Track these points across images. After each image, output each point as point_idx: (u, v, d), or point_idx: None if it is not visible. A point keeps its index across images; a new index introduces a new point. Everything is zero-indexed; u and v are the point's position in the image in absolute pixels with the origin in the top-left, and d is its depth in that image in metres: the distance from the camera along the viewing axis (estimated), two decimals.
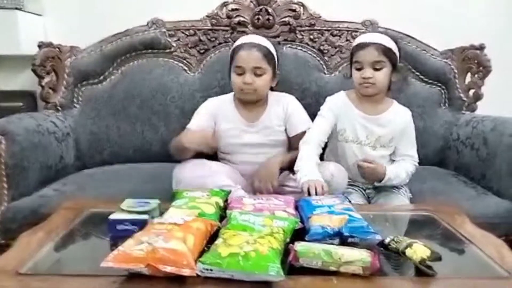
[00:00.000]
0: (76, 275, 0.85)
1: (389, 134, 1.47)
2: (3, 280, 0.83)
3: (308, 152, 1.38)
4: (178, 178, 1.35)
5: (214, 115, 1.52)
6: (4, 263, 0.89)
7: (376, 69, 1.40)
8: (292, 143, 1.51)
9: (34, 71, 1.75)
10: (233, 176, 1.44)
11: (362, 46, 1.42)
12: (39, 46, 1.76)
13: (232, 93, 1.57)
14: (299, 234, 0.96)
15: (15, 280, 0.83)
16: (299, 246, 0.87)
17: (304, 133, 1.48)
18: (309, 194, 1.21)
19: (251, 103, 1.52)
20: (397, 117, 1.48)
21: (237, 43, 1.53)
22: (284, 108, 1.53)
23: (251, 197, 1.19)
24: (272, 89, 1.57)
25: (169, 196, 1.20)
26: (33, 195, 1.44)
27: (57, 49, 1.79)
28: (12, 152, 1.42)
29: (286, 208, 1.09)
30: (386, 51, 1.40)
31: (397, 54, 1.44)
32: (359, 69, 1.43)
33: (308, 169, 1.31)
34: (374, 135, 1.46)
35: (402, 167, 1.48)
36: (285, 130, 1.53)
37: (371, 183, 1.47)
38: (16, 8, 1.85)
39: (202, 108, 1.56)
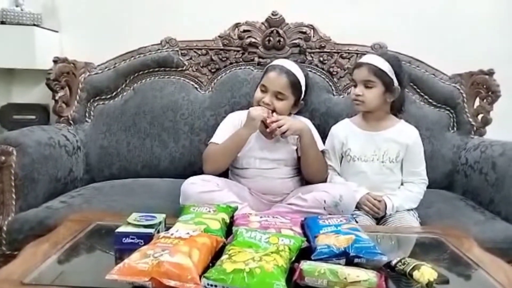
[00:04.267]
0: (80, 287, 0.85)
1: (395, 149, 1.50)
2: None
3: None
4: (185, 193, 1.35)
5: (236, 128, 1.54)
6: (9, 273, 0.90)
7: (367, 88, 1.47)
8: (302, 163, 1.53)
9: (48, 85, 1.79)
10: (240, 194, 1.45)
11: (357, 65, 1.52)
12: (55, 61, 1.80)
13: None
14: (305, 253, 0.95)
15: None
16: (305, 264, 0.86)
17: None
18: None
19: None
20: (403, 133, 1.53)
21: (273, 62, 1.59)
22: None
23: (257, 214, 1.18)
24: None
25: (176, 212, 1.21)
26: (40, 206, 1.45)
27: (72, 64, 1.83)
28: (22, 164, 1.43)
29: (292, 226, 1.08)
30: (377, 72, 1.47)
31: (392, 76, 1.48)
32: (354, 87, 1.51)
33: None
34: (381, 150, 1.50)
35: (408, 189, 1.51)
36: (297, 149, 1.55)
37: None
38: (34, 25, 1.91)
39: (226, 122, 1.61)
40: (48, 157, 1.54)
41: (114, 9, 2.04)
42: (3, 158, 1.40)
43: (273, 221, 1.10)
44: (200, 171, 1.53)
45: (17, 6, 1.92)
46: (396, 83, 1.49)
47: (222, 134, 1.54)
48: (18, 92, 2.08)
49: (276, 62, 1.59)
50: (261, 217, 1.13)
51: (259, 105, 1.51)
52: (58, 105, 1.81)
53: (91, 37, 2.03)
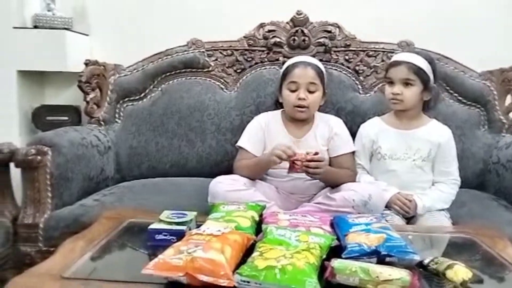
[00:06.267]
0: (116, 281, 0.88)
1: (427, 147, 1.48)
2: (48, 283, 0.87)
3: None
4: (213, 192, 1.37)
5: (264, 131, 1.55)
6: (49, 267, 0.94)
7: (406, 87, 1.45)
8: (332, 164, 1.53)
9: (80, 87, 1.85)
10: (268, 192, 1.46)
11: (395, 64, 1.49)
12: (86, 64, 1.85)
13: (280, 111, 1.61)
14: (335, 252, 0.95)
15: (59, 284, 0.87)
16: (336, 262, 0.86)
17: (345, 155, 1.53)
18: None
19: (299, 120, 1.55)
20: (435, 132, 1.51)
21: (290, 62, 1.58)
22: (330, 129, 1.56)
23: (286, 213, 1.19)
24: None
25: (204, 210, 1.23)
26: (74, 204, 1.50)
27: (102, 67, 1.88)
28: (57, 163, 1.49)
29: (322, 225, 1.08)
30: (417, 71, 1.44)
31: (430, 74, 1.46)
32: (391, 86, 1.48)
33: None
34: (413, 148, 1.49)
35: (439, 189, 1.48)
36: (328, 150, 1.55)
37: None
38: (65, 28, 1.96)
39: (252, 125, 1.61)
40: (81, 157, 1.58)
41: (141, 13, 2.08)
42: (39, 158, 1.45)
43: (302, 219, 1.11)
44: (226, 170, 1.55)
45: (49, 10, 1.97)
46: (432, 81, 1.47)
47: (250, 139, 1.56)
48: (51, 94, 2.14)
49: (293, 60, 1.59)
50: (290, 215, 1.14)
51: (295, 106, 1.48)
52: (89, 106, 1.87)
53: (119, 40, 2.08)
